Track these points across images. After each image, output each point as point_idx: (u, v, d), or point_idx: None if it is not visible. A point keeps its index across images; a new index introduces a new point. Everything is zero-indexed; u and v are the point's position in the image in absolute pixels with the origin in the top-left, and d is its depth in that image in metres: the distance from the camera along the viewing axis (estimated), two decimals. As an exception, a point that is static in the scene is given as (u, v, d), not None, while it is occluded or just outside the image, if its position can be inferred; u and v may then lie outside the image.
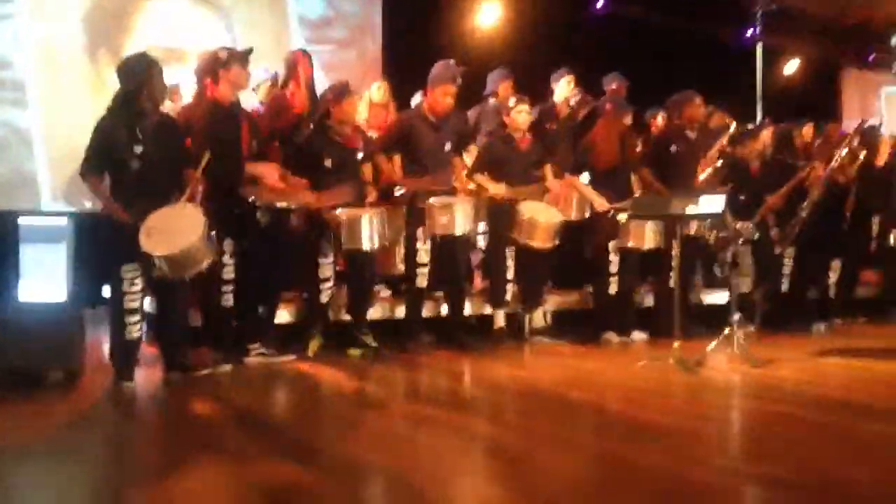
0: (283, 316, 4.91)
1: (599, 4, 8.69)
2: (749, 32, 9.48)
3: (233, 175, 4.32)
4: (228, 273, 4.35)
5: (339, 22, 7.82)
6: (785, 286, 6.21)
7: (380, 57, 7.78)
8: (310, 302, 4.83)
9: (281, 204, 4.46)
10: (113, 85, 4.13)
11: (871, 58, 10.86)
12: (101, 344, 4.47)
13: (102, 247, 4.08)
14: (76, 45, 6.82)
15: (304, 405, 3.96)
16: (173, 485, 2.41)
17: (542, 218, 5.20)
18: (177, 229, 3.77)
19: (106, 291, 4.26)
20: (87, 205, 5.84)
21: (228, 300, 4.40)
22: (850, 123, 7.82)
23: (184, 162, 4.11)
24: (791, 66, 9.49)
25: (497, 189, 5.26)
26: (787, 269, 6.21)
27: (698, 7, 8.39)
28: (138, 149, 3.90)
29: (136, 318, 3.97)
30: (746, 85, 9.45)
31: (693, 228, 5.34)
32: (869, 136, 6.76)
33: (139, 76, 3.92)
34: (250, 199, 4.35)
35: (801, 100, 9.06)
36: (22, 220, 4.76)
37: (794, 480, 2.43)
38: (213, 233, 3.98)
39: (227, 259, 4.32)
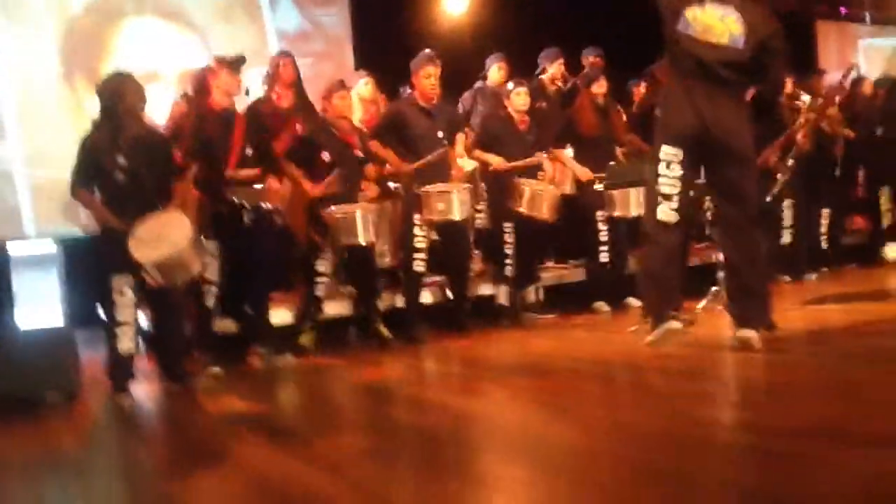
0: (283, 316, 4.90)
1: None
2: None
3: (220, 179, 4.33)
4: (212, 274, 4.33)
5: (318, 35, 7.83)
6: (787, 238, 6.22)
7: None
8: (304, 297, 4.84)
9: (265, 204, 4.46)
10: (92, 109, 4.19)
11: (843, 11, 10.89)
12: (98, 362, 4.42)
13: (92, 266, 4.10)
14: (52, 72, 6.80)
15: (308, 404, 3.94)
16: (180, 494, 2.37)
17: (546, 190, 5.25)
18: (165, 236, 3.79)
19: (100, 311, 4.26)
20: (75, 231, 5.84)
21: (211, 301, 4.39)
22: (833, 75, 7.84)
23: (171, 173, 4.14)
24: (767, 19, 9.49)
25: (499, 162, 5.31)
26: (787, 221, 6.23)
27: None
28: (122, 161, 3.93)
29: (129, 330, 3.95)
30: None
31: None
32: (854, 86, 6.87)
33: (116, 91, 3.97)
34: (234, 200, 4.36)
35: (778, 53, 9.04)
36: (11, 249, 4.75)
37: (799, 427, 2.39)
38: (202, 238, 3.99)
39: (210, 260, 4.30)
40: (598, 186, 5.49)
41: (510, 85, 5.56)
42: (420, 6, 7.80)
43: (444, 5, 7.85)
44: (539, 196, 5.21)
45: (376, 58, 6.92)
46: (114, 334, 3.94)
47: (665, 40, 3.62)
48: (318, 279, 4.80)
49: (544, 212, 5.22)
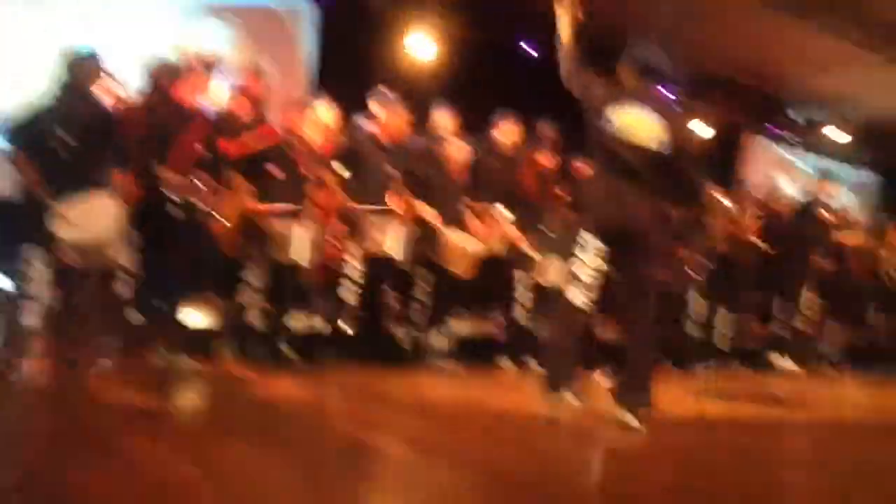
0: (196, 319, 4.91)
1: (530, 50, 9.07)
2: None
3: (162, 176, 4.37)
4: (130, 264, 4.31)
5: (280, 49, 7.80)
6: (688, 327, 6.63)
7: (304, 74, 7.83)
8: (225, 304, 4.88)
9: (198, 202, 4.48)
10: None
11: (773, 130, 11.58)
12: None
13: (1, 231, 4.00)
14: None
15: (202, 408, 3.95)
16: (60, 483, 2.31)
17: (466, 246, 5.40)
18: (92, 218, 3.79)
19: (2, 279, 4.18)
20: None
21: (124, 291, 4.35)
22: (751, 184, 8.35)
23: (111, 157, 4.13)
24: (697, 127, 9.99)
25: (426, 210, 5.43)
26: (692, 311, 6.64)
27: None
28: (64, 135, 3.92)
29: (35, 305, 3.88)
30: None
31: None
32: (771, 200, 7.39)
33: (73, 66, 3.98)
34: (168, 194, 4.37)
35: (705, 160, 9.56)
36: None
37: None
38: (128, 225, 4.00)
39: (131, 250, 4.29)
40: (526, 249, 5.70)
41: (452, 136, 5.68)
42: (387, 44, 7.97)
43: (410, 49, 8.06)
44: (458, 251, 5.37)
45: (336, 85, 7.01)
46: (16, 306, 3.87)
47: (588, 131, 3.74)
48: (244, 290, 4.82)
49: (461, 267, 5.38)
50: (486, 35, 8.32)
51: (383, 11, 7.77)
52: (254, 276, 4.85)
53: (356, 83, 5.74)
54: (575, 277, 3.66)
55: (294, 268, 4.86)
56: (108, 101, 4.50)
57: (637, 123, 3.65)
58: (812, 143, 11.84)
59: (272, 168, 4.86)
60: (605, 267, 3.66)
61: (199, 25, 7.07)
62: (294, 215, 4.89)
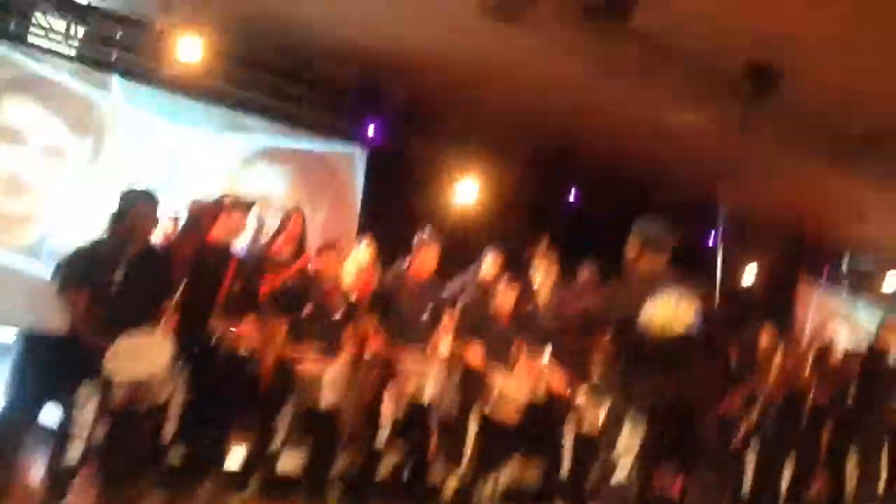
0: (236, 458, 4.77)
1: (572, 198, 9.21)
2: (713, 236, 9.93)
3: (205, 315, 4.37)
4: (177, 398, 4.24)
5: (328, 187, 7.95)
6: (747, 487, 6.22)
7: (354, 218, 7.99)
8: (256, 447, 4.73)
9: (243, 350, 4.45)
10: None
11: (825, 277, 11.39)
12: (34, 466, 4.24)
13: (47, 367, 3.98)
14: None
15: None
16: None
17: (512, 392, 5.22)
18: (144, 356, 3.76)
19: (46, 414, 4.12)
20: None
21: (169, 430, 4.28)
22: (807, 333, 8.11)
23: (164, 295, 4.16)
24: (750, 273, 9.86)
25: (475, 354, 5.30)
26: (749, 470, 6.24)
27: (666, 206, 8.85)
28: (119, 276, 3.97)
29: (80, 445, 3.82)
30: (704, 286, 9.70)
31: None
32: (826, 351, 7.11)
33: (129, 207, 4.08)
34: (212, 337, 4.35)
35: (756, 311, 9.36)
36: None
37: None
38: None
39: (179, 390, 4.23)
40: (574, 395, 5.49)
41: (503, 281, 5.62)
42: (432, 187, 8.13)
43: (454, 192, 8.20)
44: (505, 399, 5.19)
45: (379, 224, 7.12)
46: (61, 444, 3.81)
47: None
48: (274, 434, 4.70)
49: (504, 413, 5.19)
50: (532, 182, 8.48)
51: (432, 157, 7.93)
52: (286, 419, 4.74)
53: (401, 227, 5.78)
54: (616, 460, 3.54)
55: (327, 411, 4.71)
56: (159, 241, 4.58)
57: (670, 311, 3.56)
58: (864, 291, 11.61)
59: (305, 308, 4.82)
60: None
61: (256, 170, 7.33)
62: (325, 356, 4.81)
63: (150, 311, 4.09)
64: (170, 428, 4.30)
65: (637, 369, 3.63)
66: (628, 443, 3.53)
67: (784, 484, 6.54)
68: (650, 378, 3.58)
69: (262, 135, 7.41)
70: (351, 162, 7.97)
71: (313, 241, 5.52)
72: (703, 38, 5.58)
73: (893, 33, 5.23)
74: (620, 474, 3.52)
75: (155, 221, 4.21)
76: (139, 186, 4.36)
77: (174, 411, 4.28)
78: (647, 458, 3.60)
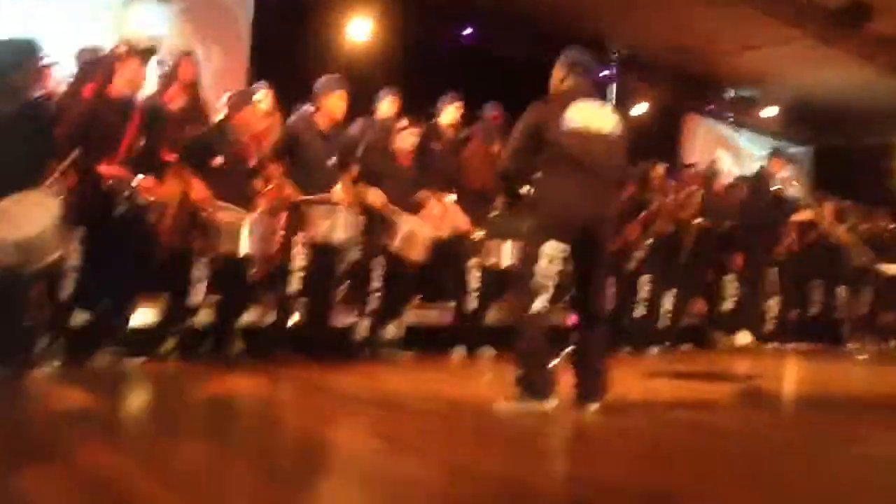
0: (147, 316, 4.76)
1: (467, 33, 9.06)
2: (603, 73, 10.07)
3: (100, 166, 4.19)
4: (73, 261, 4.14)
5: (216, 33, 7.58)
6: (639, 311, 6.72)
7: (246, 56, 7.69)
8: (171, 302, 4.73)
9: (143, 198, 4.33)
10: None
11: (710, 108, 11.85)
12: None
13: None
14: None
15: (151, 409, 3.84)
16: (3, 490, 2.21)
17: (420, 232, 5.34)
18: (28, 215, 3.63)
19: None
20: None
21: (68, 290, 4.18)
22: (697, 165, 8.51)
23: (47, 151, 3.95)
24: (640, 109, 10.13)
25: (376, 196, 5.33)
26: (641, 295, 6.72)
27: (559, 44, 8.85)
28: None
29: None
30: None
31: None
32: (709, 180, 7.53)
33: (10, 59, 3.80)
34: (111, 188, 4.21)
35: (647, 141, 9.71)
36: None
37: (623, 486, 2.62)
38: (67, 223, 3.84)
39: (74, 246, 4.12)
40: (475, 235, 5.68)
41: (403, 122, 5.62)
42: (323, 27, 7.84)
43: (347, 31, 7.94)
44: (413, 237, 5.31)
45: (273, 71, 6.87)
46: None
47: (537, 150, 3.75)
48: (192, 286, 4.67)
49: (416, 253, 5.34)
50: (425, 21, 8.27)
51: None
52: (199, 271, 4.70)
53: (294, 69, 5.59)
54: (538, 290, 3.64)
55: (241, 261, 4.72)
56: (43, 94, 4.30)
57: (594, 115, 3.78)
58: (746, 120, 12.15)
59: (215, 159, 4.70)
60: (562, 266, 3.69)
61: (140, 9, 6.83)
62: (238, 206, 4.75)
63: (37, 170, 3.89)
64: (67, 289, 4.19)
65: (561, 181, 3.72)
66: (546, 270, 3.65)
67: (668, 304, 7.10)
68: (574, 192, 3.69)
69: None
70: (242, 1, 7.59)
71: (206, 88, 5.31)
72: None
73: None
74: (539, 304, 3.67)
75: (38, 74, 3.94)
76: (17, 35, 4.05)
77: (70, 272, 4.18)
78: (563, 288, 3.77)
